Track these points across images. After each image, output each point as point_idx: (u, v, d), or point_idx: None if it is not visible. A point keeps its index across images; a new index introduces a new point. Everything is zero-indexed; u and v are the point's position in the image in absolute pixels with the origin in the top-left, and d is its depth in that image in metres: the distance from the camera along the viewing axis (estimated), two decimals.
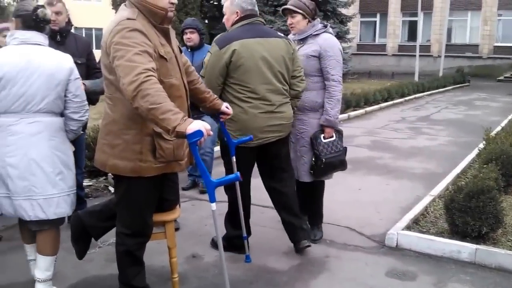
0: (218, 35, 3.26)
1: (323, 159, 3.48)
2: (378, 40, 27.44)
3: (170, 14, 2.44)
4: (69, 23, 3.75)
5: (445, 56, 21.57)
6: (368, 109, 11.53)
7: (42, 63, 2.60)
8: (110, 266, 3.06)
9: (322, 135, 3.52)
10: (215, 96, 2.94)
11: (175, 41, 2.58)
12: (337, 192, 4.79)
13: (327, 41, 3.49)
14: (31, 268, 2.93)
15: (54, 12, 3.45)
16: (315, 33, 3.52)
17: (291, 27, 3.59)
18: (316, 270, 3.29)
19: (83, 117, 2.80)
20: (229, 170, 3.27)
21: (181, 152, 2.51)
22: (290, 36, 3.62)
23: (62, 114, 2.75)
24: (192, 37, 4.67)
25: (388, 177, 5.66)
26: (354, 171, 5.89)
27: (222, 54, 3.09)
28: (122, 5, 2.46)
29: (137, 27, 2.26)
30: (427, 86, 16.18)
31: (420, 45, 19.64)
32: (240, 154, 3.17)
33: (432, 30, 25.41)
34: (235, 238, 3.42)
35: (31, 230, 2.78)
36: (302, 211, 3.98)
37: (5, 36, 3.96)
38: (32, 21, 2.66)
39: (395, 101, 13.18)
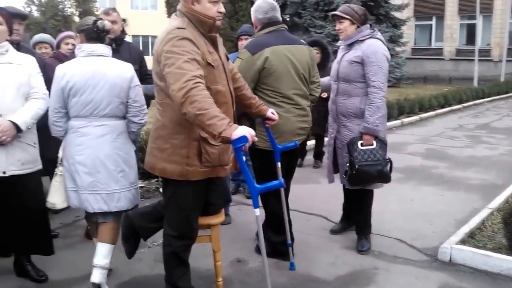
0: (248, 41, 3.36)
1: (356, 166, 3.41)
2: (434, 44, 26.56)
3: (218, 23, 2.49)
4: (123, 31, 3.89)
5: (507, 61, 20.55)
6: (423, 115, 11.16)
7: (106, 73, 2.85)
8: (158, 266, 3.11)
9: (360, 142, 3.44)
10: (261, 102, 2.97)
11: (222, 49, 2.63)
12: (388, 202, 4.66)
13: (370, 47, 3.44)
14: (92, 273, 2.98)
15: (110, 21, 3.58)
16: (361, 38, 3.48)
17: (339, 33, 3.59)
18: (363, 283, 3.19)
19: (142, 120, 3.02)
20: (261, 176, 3.24)
21: (226, 157, 2.55)
22: (339, 42, 3.66)
23: (124, 117, 2.98)
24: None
25: (443, 188, 5.44)
26: (406, 180, 5.72)
27: (254, 60, 3.13)
28: (173, 14, 2.54)
29: (187, 35, 2.33)
30: (487, 92, 15.48)
31: (479, 49, 18.85)
32: (269, 158, 3.17)
33: (493, 34, 24.30)
34: (278, 244, 3.39)
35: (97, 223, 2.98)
36: (350, 219, 3.91)
37: (67, 43, 4.16)
38: (93, 33, 2.91)
39: (452, 108, 12.68)
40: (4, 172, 2.80)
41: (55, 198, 3.01)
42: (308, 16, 18.17)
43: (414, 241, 3.85)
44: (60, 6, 24.88)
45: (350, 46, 3.53)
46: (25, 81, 2.89)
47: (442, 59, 25.66)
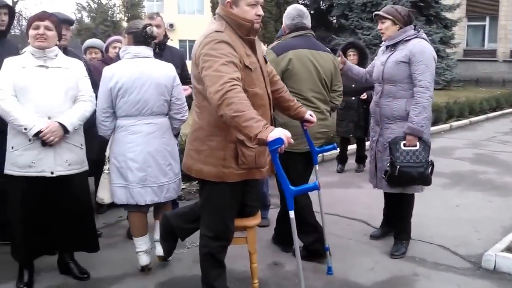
0: (274, 43, 3.49)
1: (397, 166, 3.33)
2: (487, 45, 25.52)
3: (256, 25, 2.49)
4: (166, 36, 3.99)
5: None
6: (473, 119, 10.77)
7: (152, 74, 3.07)
8: (196, 267, 3.13)
9: (403, 142, 3.37)
10: (300, 104, 2.97)
11: (260, 51, 2.64)
12: (433, 207, 4.54)
13: (416, 46, 3.37)
14: (139, 259, 3.25)
15: (154, 25, 3.68)
16: (406, 39, 3.42)
17: (381, 33, 3.56)
18: None
19: (184, 117, 3.28)
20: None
21: (262, 160, 2.56)
22: (382, 43, 3.60)
23: (167, 115, 3.23)
24: None
25: (492, 194, 5.22)
26: (453, 185, 5.54)
27: (279, 61, 3.22)
28: (212, 18, 2.58)
29: (224, 39, 2.35)
30: None
31: None
32: (293, 160, 3.21)
33: None
34: (312, 244, 3.39)
35: (144, 221, 3.26)
36: (390, 225, 3.83)
37: (114, 47, 4.31)
38: (141, 37, 3.13)
39: (504, 111, 12.17)
40: (52, 173, 2.92)
41: (103, 193, 3.25)
42: (355, 17, 17.92)
43: (457, 248, 3.72)
44: (110, 12, 25.78)
45: (394, 47, 3.48)
46: (72, 85, 3.01)
47: (496, 60, 24.60)
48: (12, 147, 2.91)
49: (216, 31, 2.39)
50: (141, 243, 3.22)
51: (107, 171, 3.20)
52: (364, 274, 3.31)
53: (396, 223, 3.70)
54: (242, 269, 3.26)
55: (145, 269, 3.27)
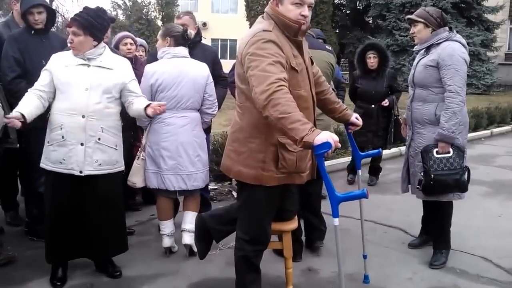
0: None
1: (432, 175, 3.22)
2: None
3: (304, 27, 2.41)
4: (198, 34, 3.97)
5: None
6: None
7: (188, 72, 3.39)
8: (229, 269, 3.12)
9: (435, 150, 3.26)
10: (345, 106, 2.89)
11: (307, 53, 2.57)
12: (474, 217, 4.37)
13: (445, 49, 3.27)
14: (162, 241, 3.52)
15: (180, 24, 3.74)
16: (437, 42, 3.33)
17: (413, 36, 3.49)
18: None
19: (214, 112, 3.60)
20: None
21: (303, 165, 2.49)
22: (415, 47, 3.54)
23: (199, 110, 3.52)
24: None
25: None
26: (494, 195, 5.33)
27: None
28: (260, 17, 2.51)
29: (272, 38, 2.29)
30: None
31: None
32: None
33: None
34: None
35: (170, 206, 3.53)
36: (429, 233, 3.70)
37: (125, 44, 4.24)
38: (182, 39, 3.46)
39: None
40: (80, 172, 2.94)
41: (136, 178, 3.50)
42: (392, 18, 17.61)
43: (500, 260, 3.55)
44: (145, 10, 26.21)
45: (427, 50, 3.41)
46: (111, 86, 2.99)
47: None
48: (48, 142, 2.98)
49: (264, 30, 2.32)
50: (165, 227, 3.49)
51: (142, 158, 3.47)
52: (402, 284, 3.20)
53: (434, 231, 3.58)
54: (275, 273, 3.20)
55: (167, 251, 3.54)
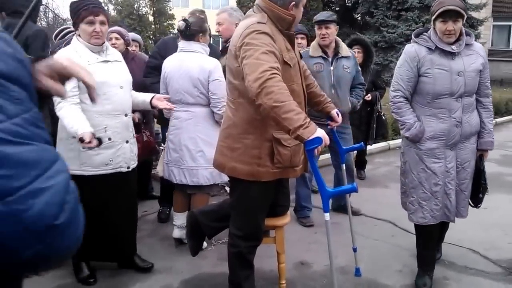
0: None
1: (487, 187, 3.12)
2: None
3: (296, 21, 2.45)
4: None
5: None
6: (499, 120, 10.52)
7: (188, 66, 3.35)
8: (222, 265, 3.14)
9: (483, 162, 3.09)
10: (329, 100, 2.90)
11: (296, 46, 2.58)
12: None
13: (482, 49, 2.99)
14: (173, 231, 3.66)
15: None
16: (470, 42, 2.94)
17: (451, 34, 2.82)
18: None
19: (220, 111, 3.32)
20: None
21: (297, 158, 2.50)
22: (453, 47, 2.85)
23: (209, 105, 3.43)
24: (302, 43, 4.64)
25: None
26: None
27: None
28: (250, 10, 2.51)
29: (266, 30, 2.30)
30: None
31: None
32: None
33: None
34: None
35: (184, 200, 3.61)
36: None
37: (110, 39, 4.14)
38: (185, 33, 3.38)
39: None
40: (128, 167, 2.98)
41: (159, 166, 3.69)
42: (380, 15, 17.70)
43: (487, 251, 3.64)
44: (136, 5, 25.94)
45: (460, 52, 2.87)
46: (130, 78, 3.04)
47: None
48: (83, 148, 2.68)
49: (259, 23, 2.33)
50: (177, 218, 3.63)
51: (162, 147, 3.66)
52: (392, 276, 3.26)
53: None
54: (268, 268, 3.24)
55: (176, 242, 3.64)
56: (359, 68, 4.36)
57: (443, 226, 3.28)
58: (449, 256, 3.55)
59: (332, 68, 4.04)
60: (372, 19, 17.99)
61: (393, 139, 7.72)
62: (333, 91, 4.01)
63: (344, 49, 4.14)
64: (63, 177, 0.75)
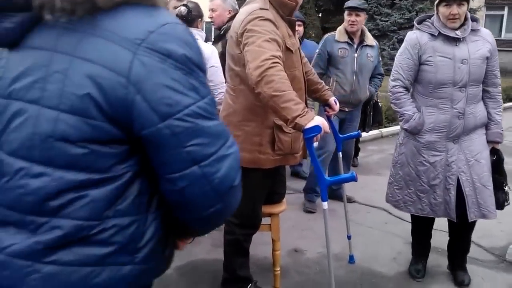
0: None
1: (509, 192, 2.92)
2: (504, 35, 25.11)
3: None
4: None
5: None
6: None
7: None
8: (216, 251, 3.14)
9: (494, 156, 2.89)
10: (327, 87, 2.88)
11: (297, 33, 2.55)
12: None
13: (490, 35, 2.80)
14: None
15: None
16: (477, 27, 2.79)
17: (455, 19, 2.69)
18: (426, 281, 3.08)
19: (216, 98, 3.21)
20: None
21: (297, 145, 2.49)
22: (457, 33, 2.72)
23: None
24: (299, 30, 4.59)
25: None
26: None
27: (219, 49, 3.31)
28: None
29: (269, 17, 2.25)
30: None
31: None
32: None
33: None
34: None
35: None
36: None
37: None
38: (184, 19, 3.21)
39: None
40: None
41: None
42: (374, 3, 17.63)
43: (480, 239, 3.65)
44: None
45: (464, 38, 2.74)
46: None
47: None
48: None
49: (261, 9, 2.28)
50: None
51: None
52: (386, 264, 3.27)
53: (461, 247, 3.16)
54: (263, 255, 3.23)
55: None
56: (381, 59, 4.38)
57: (462, 229, 3.04)
58: (443, 244, 3.55)
59: (356, 55, 4.07)
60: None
61: (385, 126, 7.72)
62: (354, 78, 4.05)
63: (370, 38, 4.19)
64: (236, 147, 0.98)
